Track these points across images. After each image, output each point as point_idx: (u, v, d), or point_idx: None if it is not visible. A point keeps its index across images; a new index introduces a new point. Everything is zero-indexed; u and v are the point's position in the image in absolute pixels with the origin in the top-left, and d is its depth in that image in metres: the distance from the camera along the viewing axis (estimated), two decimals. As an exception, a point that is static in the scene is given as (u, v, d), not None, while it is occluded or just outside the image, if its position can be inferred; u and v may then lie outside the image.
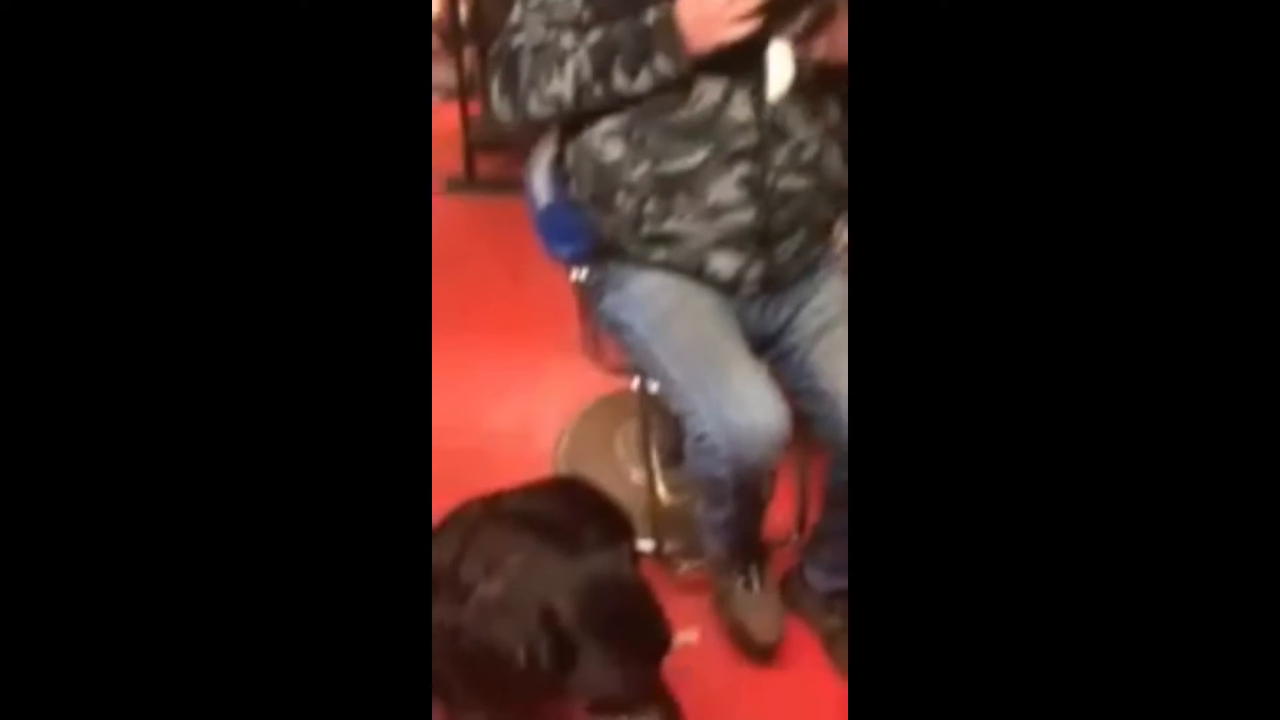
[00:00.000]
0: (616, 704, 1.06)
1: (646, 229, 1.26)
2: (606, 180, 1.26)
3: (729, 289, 1.28)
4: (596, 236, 1.32)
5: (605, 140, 1.24)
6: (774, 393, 1.20)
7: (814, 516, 1.46)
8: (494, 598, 1.05)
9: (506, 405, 1.93)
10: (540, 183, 1.40)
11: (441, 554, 1.09)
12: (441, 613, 1.04)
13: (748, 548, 1.42)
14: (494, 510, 1.18)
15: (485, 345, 2.10)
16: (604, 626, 1.02)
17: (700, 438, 1.21)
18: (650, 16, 1.16)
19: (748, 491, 1.27)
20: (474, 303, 2.22)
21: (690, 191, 1.23)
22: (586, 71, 1.18)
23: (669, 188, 1.24)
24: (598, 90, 1.19)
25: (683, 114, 1.21)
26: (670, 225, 1.25)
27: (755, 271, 1.27)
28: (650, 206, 1.25)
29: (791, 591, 1.48)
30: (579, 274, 1.29)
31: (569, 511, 1.18)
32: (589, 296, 1.36)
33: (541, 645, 0.98)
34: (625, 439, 1.82)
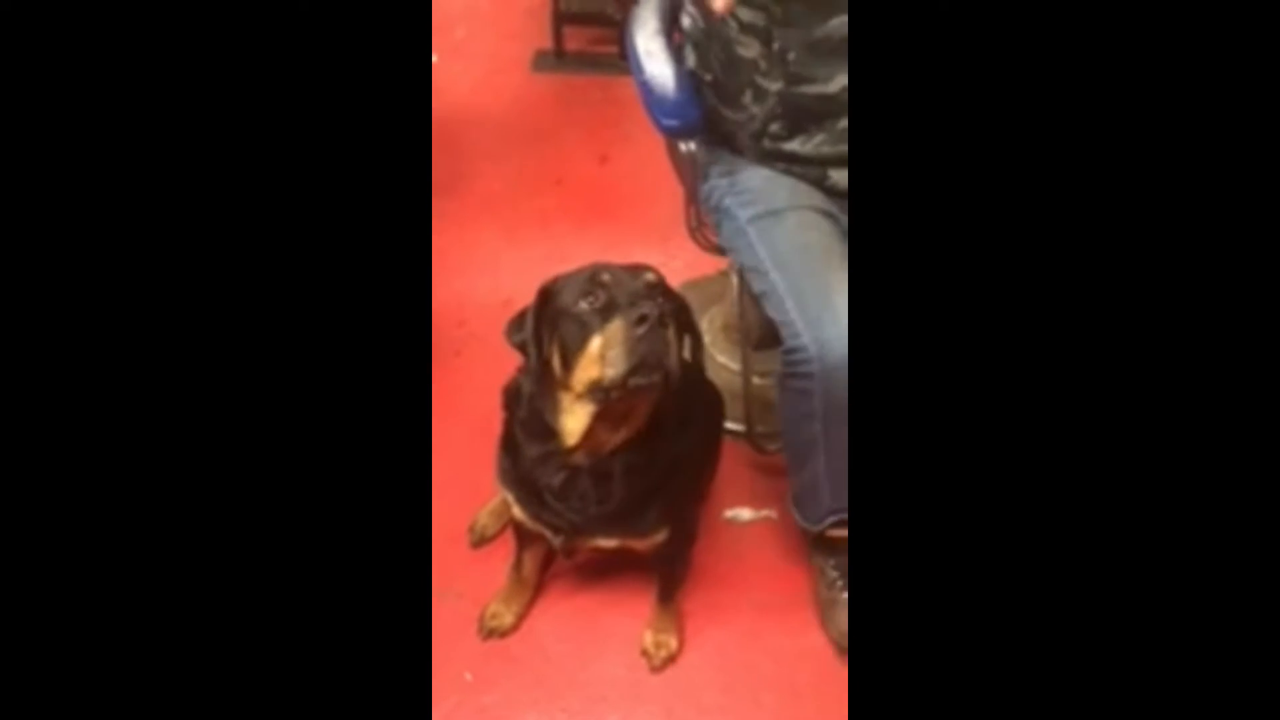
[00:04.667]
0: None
1: (768, 144, 1.22)
2: (738, 75, 1.21)
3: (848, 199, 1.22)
4: (707, 113, 1.27)
5: (742, 33, 1.18)
6: None
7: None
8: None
9: (594, 285, 1.92)
10: (645, 50, 1.34)
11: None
12: None
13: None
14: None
15: (570, 228, 2.08)
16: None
17: (791, 350, 1.14)
18: None
19: (836, 417, 1.14)
20: (559, 184, 2.20)
21: (824, 118, 1.18)
22: None
23: (801, 114, 1.18)
24: None
25: (827, 29, 1.14)
26: (794, 146, 1.20)
27: None
28: (776, 126, 1.20)
29: None
30: (688, 147, 1.25)
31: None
32: (696, 172, 1.32)
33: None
34: (711, 323, 1.81)
